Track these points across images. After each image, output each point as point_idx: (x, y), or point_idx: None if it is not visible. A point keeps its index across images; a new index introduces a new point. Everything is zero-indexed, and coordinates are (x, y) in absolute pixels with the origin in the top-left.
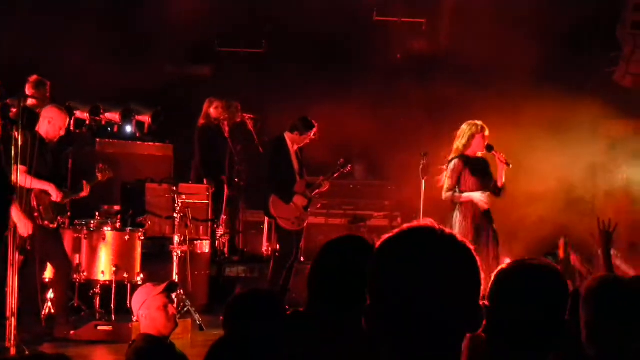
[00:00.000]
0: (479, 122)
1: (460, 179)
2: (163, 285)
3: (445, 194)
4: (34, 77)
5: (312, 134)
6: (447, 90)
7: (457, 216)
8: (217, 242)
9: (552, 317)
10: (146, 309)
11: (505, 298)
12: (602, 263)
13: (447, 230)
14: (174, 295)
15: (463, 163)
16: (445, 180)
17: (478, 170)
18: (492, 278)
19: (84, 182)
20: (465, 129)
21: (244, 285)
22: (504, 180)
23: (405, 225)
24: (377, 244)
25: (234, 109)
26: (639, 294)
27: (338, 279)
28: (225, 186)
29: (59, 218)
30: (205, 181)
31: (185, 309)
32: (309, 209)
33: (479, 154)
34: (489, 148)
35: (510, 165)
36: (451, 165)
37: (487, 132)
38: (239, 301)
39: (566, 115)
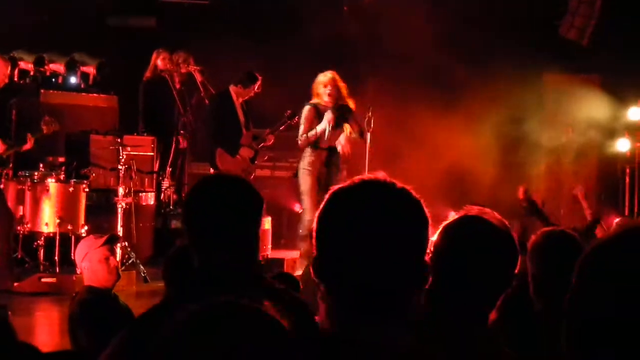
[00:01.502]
0: (328, 73)
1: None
2: (104, 238)
3: (300, 139)
4: None
5: (256, 87)
6: (393, 43)
7: (300, 166)
8: (162, 194)
9: (500, 273)
10: (88, 262)
11: (451, 253)
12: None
13: (399, 183)
14: (116, 248)
15: (314, 111)
16: (300, 127)
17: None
18: (439, 232)
19: (28, 134)
20: (316, 79)
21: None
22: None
23: (357, 178)
24: (327, 195)
25: (182, 60)
26: (584, 247)
27: (212, 220)
28: (174, 138)
29: (0, 170)
30: (145, 134)
31: (130, 260)
32: (255, 161)
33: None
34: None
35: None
36: (303, 112)
37: (327, 81)
38: (180, 253)
39: (512, 70)
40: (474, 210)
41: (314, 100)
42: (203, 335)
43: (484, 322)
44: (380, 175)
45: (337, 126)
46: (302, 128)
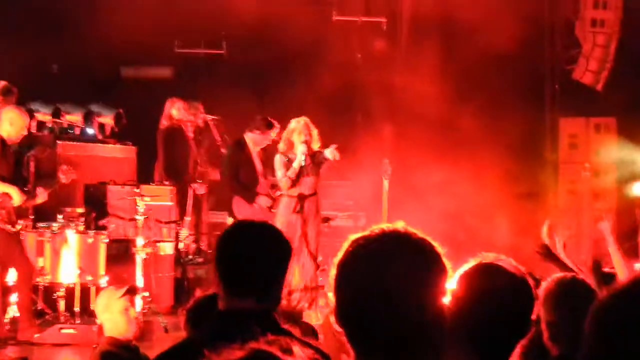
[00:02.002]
0: (301, 120)
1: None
2: (124, 289)
3: (282, 180)
4: (2, 84)
5: (272, 134)
6: (406, 90)
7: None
8: (181, 244)
9: (517, 319)
10: (108, 313)
11: (469, 300)
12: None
13: (418, 233)
14: (136, 298)
15: (286, 158)
16: (278, 172)
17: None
18: (456, 280)
19: (38, 188)
20: (289, 127)
21: (206, 288)
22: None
23: (376, 227)
24: (347, 244)
25: (194, 109)
26: (597, 294)
27: (244, 268)
28: (190, 188)
29: (19, 221)
30: (167, 183)
31: (150, 311)
32: (273, 209)
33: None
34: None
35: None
36: (278, 160)
37: (302, 128)
38: (201, 304)
39: (526, 114)
40: (489, 257)
41: (284, 151)
42: None
43: None
44: (400, 225)
45: (311, 173)
46: (281, 172)
